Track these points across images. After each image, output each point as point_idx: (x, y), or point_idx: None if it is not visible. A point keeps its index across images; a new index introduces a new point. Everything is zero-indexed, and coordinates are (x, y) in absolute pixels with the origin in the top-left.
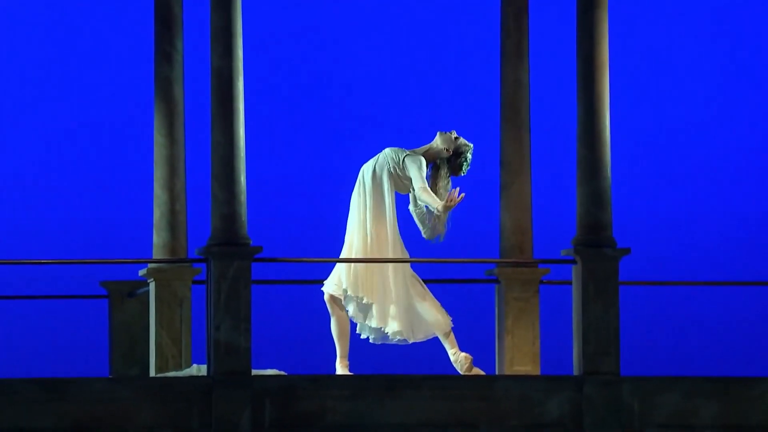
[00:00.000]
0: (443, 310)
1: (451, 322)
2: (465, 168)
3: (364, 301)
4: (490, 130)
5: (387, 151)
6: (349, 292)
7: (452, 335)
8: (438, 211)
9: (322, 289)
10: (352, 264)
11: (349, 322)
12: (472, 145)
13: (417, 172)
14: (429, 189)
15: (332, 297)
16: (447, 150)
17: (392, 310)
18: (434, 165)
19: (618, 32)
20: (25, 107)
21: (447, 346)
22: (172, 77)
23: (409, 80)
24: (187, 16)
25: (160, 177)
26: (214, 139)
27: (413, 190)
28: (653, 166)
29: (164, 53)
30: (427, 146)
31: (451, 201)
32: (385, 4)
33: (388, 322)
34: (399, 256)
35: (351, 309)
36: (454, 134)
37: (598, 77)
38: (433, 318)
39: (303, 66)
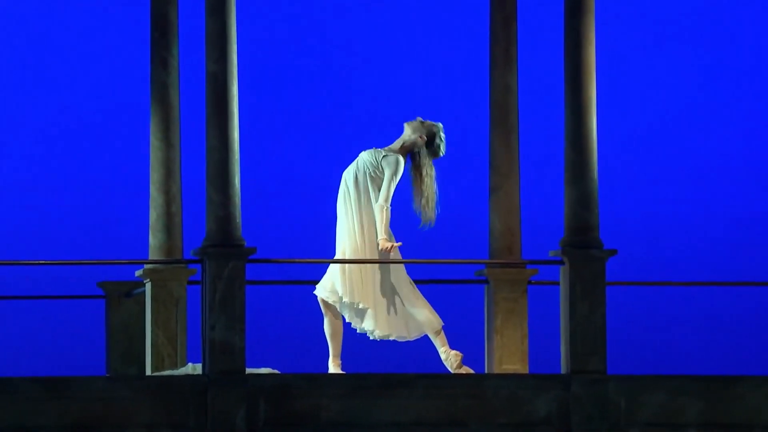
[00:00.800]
0: (434, 311)
1: (441, 322)
2: (443, 147)
3: (360, 307)
4: (480, 134)
5: (364, 155)
6: (345, 300)
7: (442, 334)
8: (377, 238)
9: (314, 293)
10: (346, 271)
11: (342, 323)
12: (440, 124)
13: (387, 181)
14: (387, 210)
15: (325, 300)
16: (421, 137)
17: (386, 313)
18: (412, 156)
19: (605, 36)
20: (25, 110)
21: (437, 344)
22: (168, 82)
23: (401, 84)
24: (182, 22)
25: (156, 180)
26: (209, 143)
27: (416, 175)
28: (640, 168)
29: (160, 59)
30: (400, 141)
31: (386, 248)
32: (377, 11)
33: (382, 326)
34: (392, 257)
35: (347, 315)
36: (420, 119)
37: (586, 81)
38: (424, 318)
39: (297, 69)
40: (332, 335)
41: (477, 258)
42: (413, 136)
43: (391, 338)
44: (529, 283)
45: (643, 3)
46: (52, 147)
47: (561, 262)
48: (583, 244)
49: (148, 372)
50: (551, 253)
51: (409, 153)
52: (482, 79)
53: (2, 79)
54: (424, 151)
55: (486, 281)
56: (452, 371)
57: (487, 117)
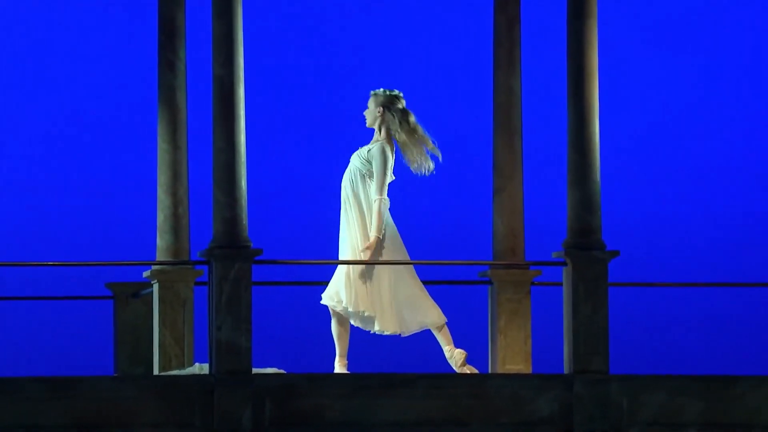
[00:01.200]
0: (437, 306)
1: (445, 318)
2: (395, 93)
3: (366, 315)
4: (483, 136)
5: (353, 158)
6: (350, 309)
7: (447, 331)
8: (371, 234)
9: (321, 302)
10: (351, 279)
11: (349, 324)
12: (372, 91)
13: (378, 173)
14: (381, 202)
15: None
16: (380, 112)
17: (391, 313)
18: (396, 139)
19: (605, 37)
20: (31, 112)
21: (442, 342)
22: (175, 85)
23: (404, 87)
24: (189, 25)
25: (163, 182)
26: (216, 145)
27: (399, 143)
28: (640, 169)
29: (167, 62)
30: (376, 134)
31: (368, 248)
32: (380, 13)
33: (388, 326)
34: (397, 256)
35: (353, 321)
36: (366, 111)
37: (588, 83)
38: (427, 313)
39: (302, 71)
40: (339, 336)
41: (480, 259)
42: (377, 120)
43: (396, 334)
44: (533, 284)
45: (642, 4)
46: (60, 149)
47: (564, 264)
48: (585, 245)
49: (156, 372)
50: (554, 255)
51: (394, 138)
52: (486, 81)
53: (12, 82)
54: (391, 118)
55: (490, 282)
56: (456, 370)
57: (491, 119)
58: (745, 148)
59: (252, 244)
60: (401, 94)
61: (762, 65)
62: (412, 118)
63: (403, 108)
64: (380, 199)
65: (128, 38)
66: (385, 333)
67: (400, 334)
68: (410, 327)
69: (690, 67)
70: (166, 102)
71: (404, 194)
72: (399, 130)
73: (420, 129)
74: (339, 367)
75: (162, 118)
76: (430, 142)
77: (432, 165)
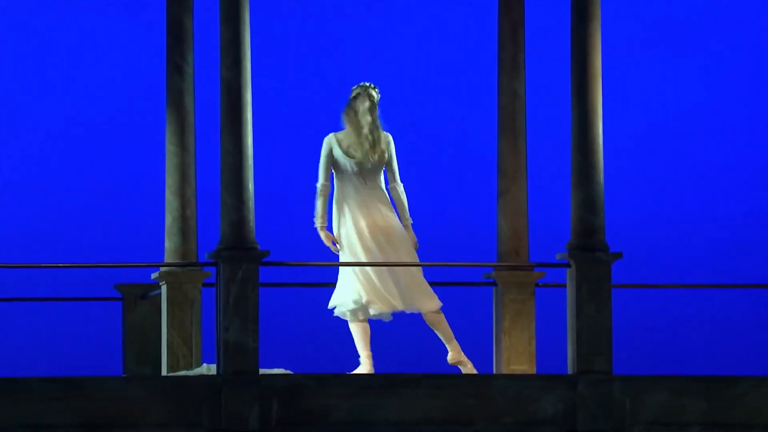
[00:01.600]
0: (433, 293)
1: (439, 302)
2: (360, 86)
3: (366, 300)
4: (488, 138)
5: None
6: (352, 307)
7: (446, 325)
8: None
9: (329, 307)
10: (348, 279)
11: (365, 320)
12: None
13: (320, 163)
14: (317, 189)
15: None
16: (348, 114)
17: (390, 294)
18: (361, 130)
19: (606, 38)
20: (42, 114)
21: (443, 340)
22: (183, 88)
23: (410, 90)
24: (197, 29)
25: (171, 184)
26: (224, 148)
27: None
28: (641, 170)
29: (175, 65)
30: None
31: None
32: (388, 17)
33: (386, 305)
34: (402, 244)
35: (361, 314)
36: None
37: (592, 86)
38: (420, 296)
39: (309, 72)
40: (356, 334)
41: (485, 261)
42: (345, 120)
43: (395, 310)
44: (537, 285)
45: (643, 5)
46: (68, 151)
47: (568, 265)
48: (589, 247)
49: (164, 372)
50: (558, 256)
51: (357, 128)
52: (490, 84)
53: (21, 85)
54: (351, 110)
55: (494, 283)
56: (462, 371)
57: (495, 122)
58: (745, 148)
59: (259, 246)
60: (366, 84)
61: (762, 65)
62: (359, 105)
63: (357, 95)
64: (320, 185)
65: (137, 41)
66: (384, 313)
67: (393, 312)
68: (399, 306)
69: (690, 68)
70: (174, 105)
71: (408, 196)
72: (348, 116)
73: (361, 113)
74: (362, 365)
75: (170, 120)
76: (366, 130)
77: (375, 159)
